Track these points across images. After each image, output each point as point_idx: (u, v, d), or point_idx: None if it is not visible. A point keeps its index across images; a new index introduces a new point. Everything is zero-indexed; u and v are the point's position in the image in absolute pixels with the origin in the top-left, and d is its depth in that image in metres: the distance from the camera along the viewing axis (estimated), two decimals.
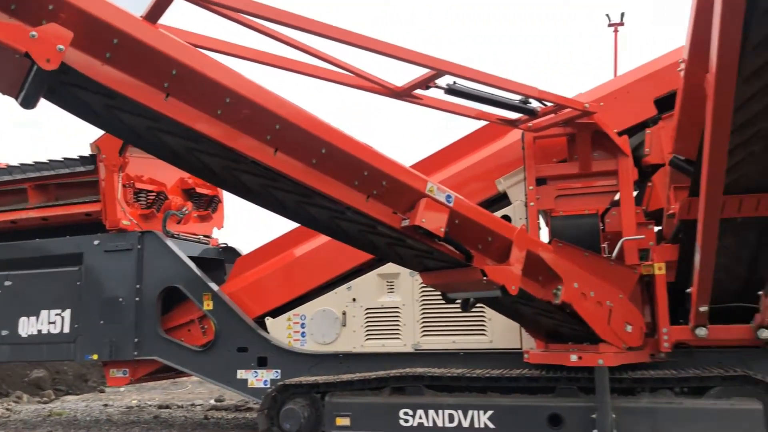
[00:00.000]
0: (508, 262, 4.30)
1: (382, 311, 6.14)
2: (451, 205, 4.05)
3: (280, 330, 6.38)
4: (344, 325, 6.20)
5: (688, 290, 4.56)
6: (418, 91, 4.86)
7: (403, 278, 6.10)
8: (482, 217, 4.29)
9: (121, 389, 11.70)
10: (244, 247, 7.90)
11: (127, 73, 3.12)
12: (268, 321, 6.44)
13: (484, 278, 4.15)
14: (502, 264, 4.32)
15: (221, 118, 3.37)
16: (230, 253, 7.98)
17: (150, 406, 9.67)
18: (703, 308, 4.40)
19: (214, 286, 6.59)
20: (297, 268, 6.52)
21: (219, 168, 3.54)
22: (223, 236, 8.55)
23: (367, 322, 6.16)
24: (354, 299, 6.21)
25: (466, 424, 5.10)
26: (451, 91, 4.75)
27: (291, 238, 6.75)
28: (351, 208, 3.86)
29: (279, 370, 6.20)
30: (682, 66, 4.10)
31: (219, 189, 8.48)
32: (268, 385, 6.11)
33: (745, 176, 3.68)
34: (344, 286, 6.27)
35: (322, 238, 6.32)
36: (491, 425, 5.05)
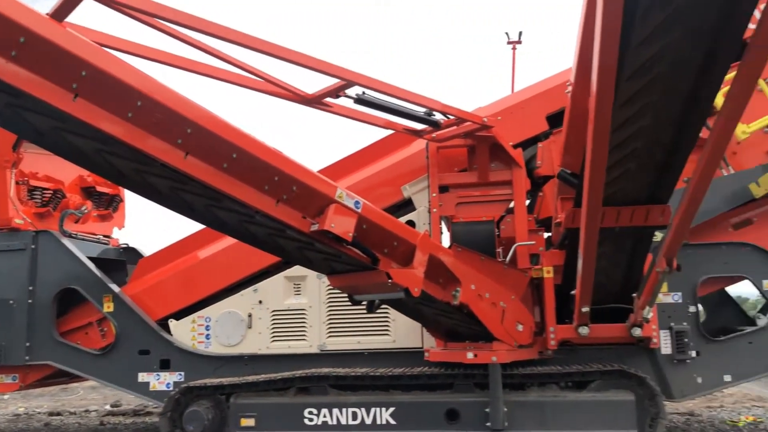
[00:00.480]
0: (412, 266, 4.54)
1: (289, 313, 6.23)
2: (359, 211, 4.23)
3: (184, 332, 6.32)
4: (250, 327, 6.23)
5: (573, 292, 4.98)
6: (329, 99, 5.00)
7: (310, 281, 6.22)
8: (388, 222, 4.50)
9: (5, 396, 11.03)
10: (146, 248, 7.73)
11: (33, 72, 3.08)
12: (172, 323, 6.37)
13: (389, 281, 4.36)
14: (406, 267, 4.55)
15: (132, 121, 3.37)
16: (132, 253, 7.77)
17: (39, 413, 9.21)
18: (585, 309, 4.81)
19: (115, 288, 6.42)
20: (202, 270, 6.47)
21: (128, 170, 3.54)
22: (124, 236, 8.30)
23: (273, 323, 6.23)
24: (260, 301, 6.26)
25: (368, 421, 5.30)
26: (359, 101, 4.93)
27: (196, 239, 6.69)
28: (260, 212, 3.95)
29: (182, 373, 6.14)
30: (569, 88, 4.50)
31: (120, 188, 8.24)
32: (171, 388, 6.04)
33: (621, 190, 4.08)
34: (250, 289, 6.31)
35: (228, 240, 6.33)
36: (393, 421, 5.28)
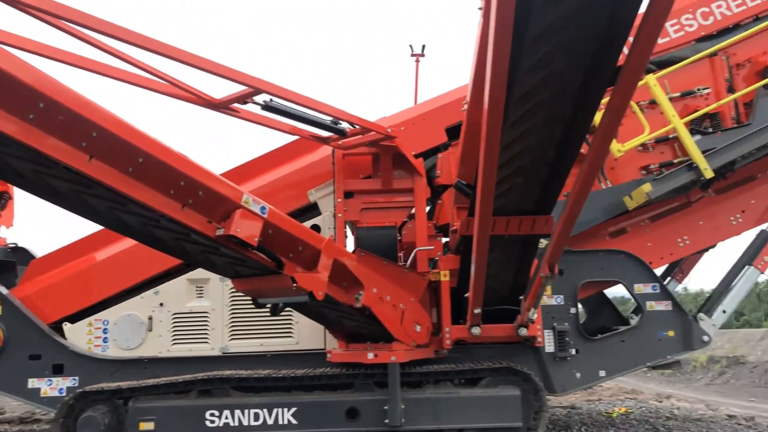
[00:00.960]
0: (316, 270, 4.69)
1: (191, 316, 6.21)
2: (265, 216, 4.33)
3: (79, 336, 6.14)
4: (150, 330, 6.16)
5: (467, 295, 5.31)
6: (237, 105, 5.07)
7: (213, 283, 6.23)
8: (294, 227, 4.63)
9: None
10: (38, 249, 7.40)
11: None
12: (66, 326, 6.17)
13: (294, 285, 4.49)
14: (310, 272, 4.69)
15: (33, 123, 3.31)
16: (22, 254, 7.41)
17: None
18: (477, 310, 5.15)
19: (2, 290, 6.14)
20: (99, 272, 6.32)
21: (28, 172, 3.47)
22: (12, 236, 7.89)
23: (175, 326, 6.18)
24: (161, 304, 6.20)
25: (270, 421, 5.39)
26: (267, 107, 5.04)
27: (93, 240, 6.52)
28: (166, 216, 3.96)
29: (77, 378, 5.97)
30: (465, 105, 4.82)
31: (9, 185, 7.83)
32: (64, 394, 5.86)
33: (510, 202, 4.42)
34: (151, 291, 6.23)
35: (128, 242, 6.21)
36: (294, 421, 5.41)
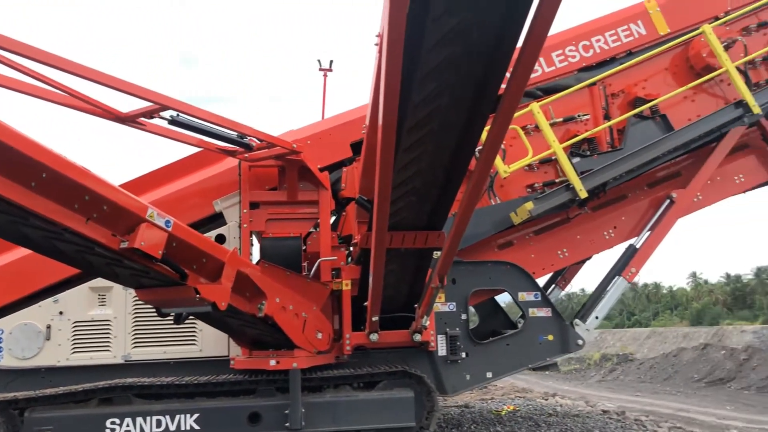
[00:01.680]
0: (220, 281, 4.87)
1: (92, 324, 6.19)
2: (169, 229, 4.47)
3: None
4: (48, 339, 6.09)
5: (366, 303, 5.65)
6: (143, 119, 5.16)
7: (115, 292, 6.24)
8: (198, 240, 4.78)
9: None
10: None
11: None
12: None
13: (197, 296, 4.65)
14: (214, 282, 4.87)
15: None
16: None
17: None
18: (375, 318, 5.50)
19: None
20: None
21: None
22: None
23: (75, 335, 6.15)
24: (61, 312, 6.14)
25: (173, 427, 5.50)
26: (174, 122, 5.17)
27: None
28: (69, 229, 4.04)
29: None
30: (365, 128, 5.15)
31: None
32: None
33: (405, 218, 4.78)
34: (50, 299, 6.16)
35: (23, 250, 6.12)
36: (197, 426, 5.54)
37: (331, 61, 8.29)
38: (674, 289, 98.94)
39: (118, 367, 6.12)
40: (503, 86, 3.78)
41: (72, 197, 4.00)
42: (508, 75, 3.35)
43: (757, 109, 6.71)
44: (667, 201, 6.97)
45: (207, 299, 4.69)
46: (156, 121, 5.23)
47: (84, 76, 4.19)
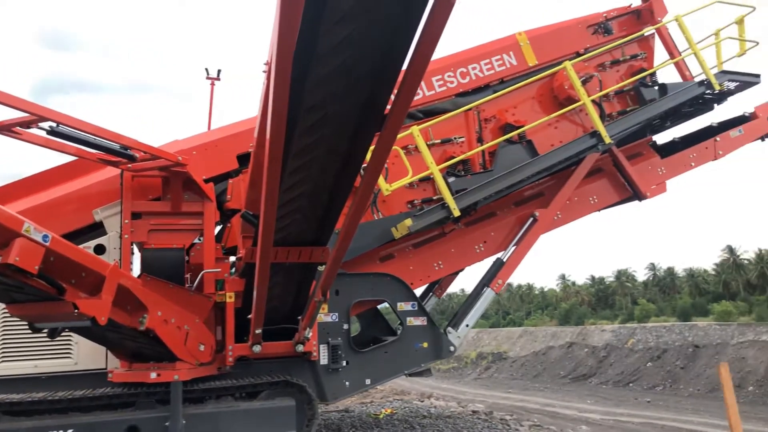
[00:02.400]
0: (100, 296, 4.82)
1: None
2: (47, 244, 4.39)
3: None
4: None
5: (250, 316, 5.78)
6: (19, 128, 5.00)
7: None
8: (78, 254, 4.72)
9: None
10: None
11: None
12: None
13: (76, 311, 4.59)
14: (94, 297, 4.81)
15: None
16: None
17: None
18: (259, 330, 5.64)
19: None
20: None
21: None
22: None
23: None
24: None
25: None
26: (52, 132, 5.05)
27: None
28: None
29: None
30: (252, 146, 5.30)
31: None
32: None
33: (291, 234, 4.98)
34: None
35: None
36: None
37: (219, 71, 8.32)
38: (545, 290, 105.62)
39: None
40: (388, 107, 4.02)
41: None
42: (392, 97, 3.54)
43: (608, 139, 7.54)
44: (531, 219, 7.66)
45: (86, 314, 4.65)
46: (34, 130, 5.08)
47: None
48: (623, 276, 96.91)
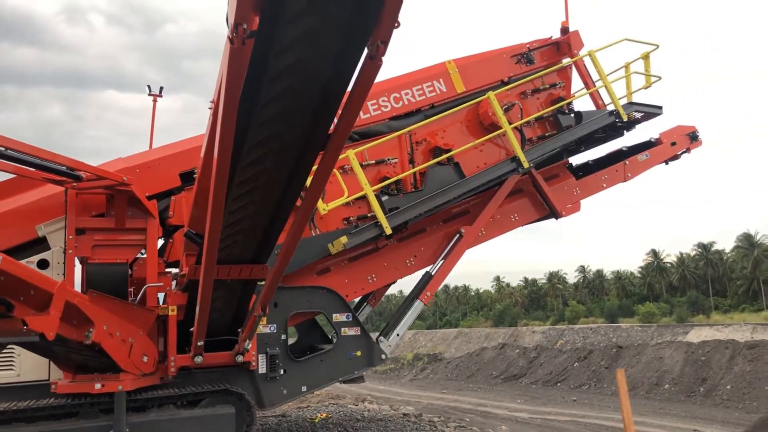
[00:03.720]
0: (48, 312, 5.08)
1: None
2: None
3: None
4: None
5: (192, 329, 6.12)
6: None
7: None
8: (26, 273, 4.96)
9: None
10: None
11: None
12: None
13: (25, 327, 4.84)
14: (42, 313, 5.07)
15: None
16: None
17: None
18: (200, 343, 5.99)
19: None
20: None
21: None
22: None
23: None
24: None
25: None
26: (3, 156, 5.27)
27: None
28: None
29: None
30: (197, 170, 5.66)
31: None
32: None
33: (232, 253, 5.35)
34: None
35: None
36: None
37: (161, 88, 8.57)
38: (481, 291, 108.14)
39: None
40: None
41: None
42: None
43: (526, 164, 8.24)
44: (457, 235, 8.28)
45: (35, 330, 4.91)
46: None
47: None
48: (555, 278, 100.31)
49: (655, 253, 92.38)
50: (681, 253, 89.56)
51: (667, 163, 9.86)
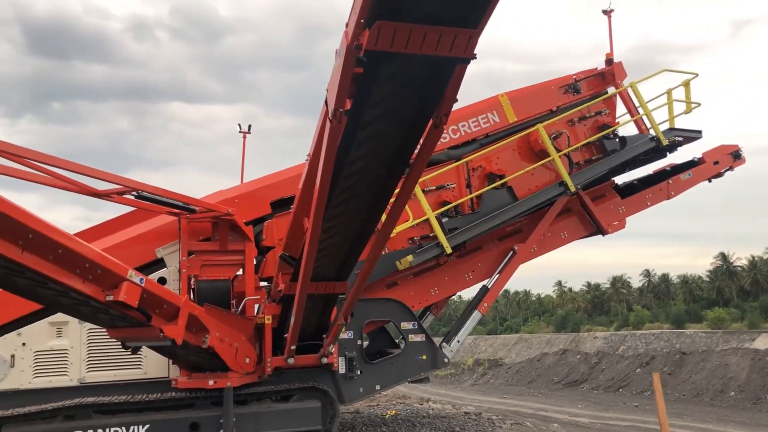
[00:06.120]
0: (176, 321, 6.35)
1: (51, 353, 7.39)
2: (143, 285, 5.93)
3: None
4: (13, 366, 7.23)
5: (285, 335, 7.30)
6: (116, 195, 6.59)
7: (72, 325, 7.48)
8: (162, 291, 6.25)
9: None
10: None
11: None
12: None
13: (162, 334, 6.13)
14: (171, 323, 6.35)
15: None
16: None
17: None
18: (293, 347, 7.18)
19: None
20: None
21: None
22: None
23: (36, 362, 7.32)
24: (24, 344, 7.30)
25: None
26: (140, 197, 6.63)
27: None
28: (74, 289, 5.43)
29: None
30: (291, 208, 6.84)
31: None
32: None
33: (319, 272, 6.44)
34: (14, 333, 7.29)
35: None
36: None
37: (250, 126, 9.88)
38: (542, 296, 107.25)
39: (75, 389, 7.36)
40: None
41: (78, 266, 5.42)
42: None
43: (573, 188, 9.11)
44: (511, 252, 9.24)
45: (168, 336, 6.19)
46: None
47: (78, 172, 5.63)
48: (618, 282, 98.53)
49: (724, 257, 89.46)
50: (753, 257, 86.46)
51: (710, 181, 10.50)
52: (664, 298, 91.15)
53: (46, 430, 6.71)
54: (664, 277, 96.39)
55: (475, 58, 3.41)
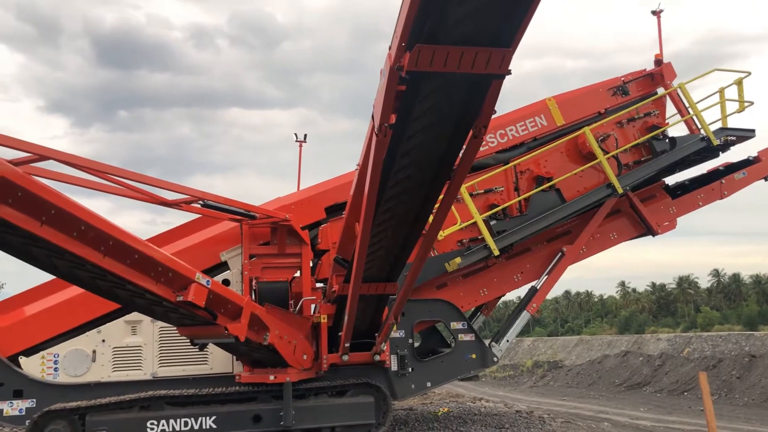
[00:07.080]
0: (240, 320, 6.87)
1: (127, 349, 8.06)
2: (209, 287, 6.46)
3: (33, 366, 7.77)
4: (94, 361, 7.93)
5: (340, 333, 7.72)
6: (184, 204, 7.17)
7: (145, 324, 8.13)
8: (226, 292, 6.77)
9: None
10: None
11: None
12: (22, 359, 7.76)
13: (227, 332, 6.65)
14: (235, 321, 6.86)
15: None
16: None
17: None
18: (348, 344, 7.59)
19: None
20: (49, 316, 7.97)
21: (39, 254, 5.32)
22: None
23: (114, 357, 8.01)
24: (103, 340, 8.00)
25: (196, 426, 7.45)
26: (205, 206, 7.19)
27: (41, 290, 8.14)
28: (149, 291, 6.00)
29: (34, 400, 7.58)
30: (344, 213, 7.26)
31: None
32: (24, 413, 7.47)
33: (371, 274, 6.85)
34: (94, 330, 8.00)
35: (71, 291, 7.92)
36: (214, 426, 7.51)
37: (306, 135, 10.39)
38: (605, 297, 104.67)
39: (148, 382, 8.00)
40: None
41: (154, 270, 5.98)
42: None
43: (620, 190, 9.19)
44: (560, 254, 9.38)
45: (233, 333, 6.70)
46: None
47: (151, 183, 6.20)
48: (685, 283, 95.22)
49: None
50: None
51: (766, 180, 10.33)
52: (735, 299, 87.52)
53: (124, 419, 7.36)
54: (735, 277, 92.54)
55: (510, 73, 3.63)
